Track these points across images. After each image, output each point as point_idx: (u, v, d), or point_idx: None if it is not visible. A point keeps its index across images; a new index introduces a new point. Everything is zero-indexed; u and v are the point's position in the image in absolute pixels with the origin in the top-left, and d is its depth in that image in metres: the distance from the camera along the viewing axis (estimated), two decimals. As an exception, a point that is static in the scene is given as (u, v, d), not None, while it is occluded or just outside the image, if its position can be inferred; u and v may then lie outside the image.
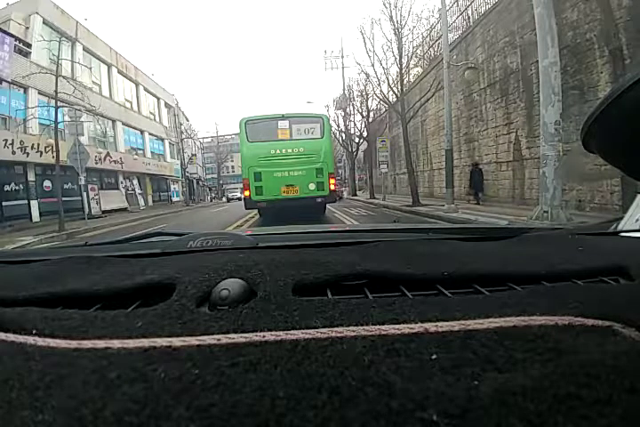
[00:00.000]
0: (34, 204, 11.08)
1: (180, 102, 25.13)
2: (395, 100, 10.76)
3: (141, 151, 18.82)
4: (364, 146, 19.58)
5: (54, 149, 8.38)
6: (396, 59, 10.23)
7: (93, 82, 14.51)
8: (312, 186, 7.14)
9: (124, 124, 16.82)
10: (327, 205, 8.25)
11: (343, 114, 19.19)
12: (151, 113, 20.80)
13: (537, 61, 4.95)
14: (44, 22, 12.01)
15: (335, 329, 0.27)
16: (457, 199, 10.65)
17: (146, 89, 20.00)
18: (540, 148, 4.61)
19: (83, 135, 9.70)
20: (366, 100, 16.11)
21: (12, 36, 10.15)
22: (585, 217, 4.99)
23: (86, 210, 11.06)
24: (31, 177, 11.13)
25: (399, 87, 10.17)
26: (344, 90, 19.36)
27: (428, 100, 10.05)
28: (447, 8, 8.66)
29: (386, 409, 0.19)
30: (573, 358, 0.22)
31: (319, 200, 7.20)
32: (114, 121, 16.04)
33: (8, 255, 0.70)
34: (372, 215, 8.25)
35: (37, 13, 11.73)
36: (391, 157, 15.07)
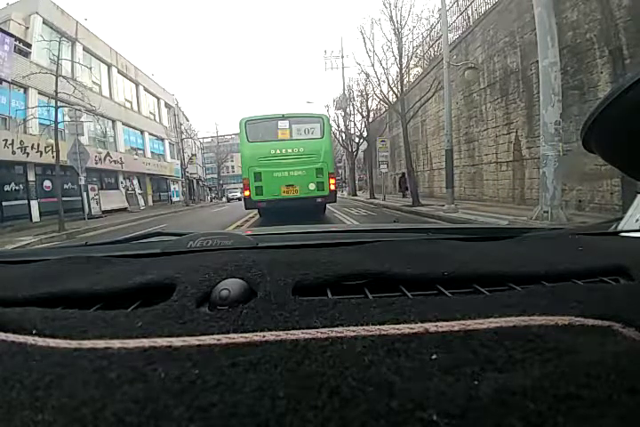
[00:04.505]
0: (34, 204, 11.08)
1: (180, 102, 25.15)
2: (395, 100, 10.74)
3: (141, 151, 18.82)
4: (363, 146, 19.57)
5: (54, 149, 8.37)
6: (396, 59, 10.22)
7: (93, 82, 14.51)
8: (312, 186, 7.14)
9: (123, 124, 16.81)
10: (327, 205, 8.25)
11: (343, 114, 19.18)
12: (151, 113, 20.80)
13: (537, 61, 4.95)
14: (44, 22, 12.00)
15: (335, 329, 0.27)
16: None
17: (146, 89, 19.99)
18: (540, 148, 4.61)
19: (83, 135, 9.70)
20: (366, 100, 16.12)
21: (12, 36, 10.14)
22: (585, 217, 4.99)
23: (86, 210, 11.07)
24: (31, 177, 11.12)
25: (399, 87, 10.16)
26: (344, 90, 19.37)
27: (428, 100, 10.04)
28: (447, 8, 8.65)
29: (386, 409, 0.19)
30: (573, 358, 0.22)
31: (319, 200, 7.20)
32: (114, 121, 16.04)
33: (8, 255, 0.69)
34: (372, 215, 8.25)
35: (37, 13, 11.72)
36: (391, 157, 15.07)
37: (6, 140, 9.69)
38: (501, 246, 0.55)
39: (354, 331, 0.26)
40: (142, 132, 18.94)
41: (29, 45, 11.16)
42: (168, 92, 23.42)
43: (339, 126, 19.31)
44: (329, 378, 0.21)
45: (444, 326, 0.27)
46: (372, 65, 11.73)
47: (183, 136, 22.81)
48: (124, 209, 15.58)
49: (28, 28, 11.50)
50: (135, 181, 17.88)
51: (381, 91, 11.50)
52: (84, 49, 14.20)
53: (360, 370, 0.22)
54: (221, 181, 40.50)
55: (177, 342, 0.26)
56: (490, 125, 8.85)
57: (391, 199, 12.89)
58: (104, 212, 13.21)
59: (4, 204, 10.09)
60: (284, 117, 7.40)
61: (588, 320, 0.27)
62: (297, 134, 7.37)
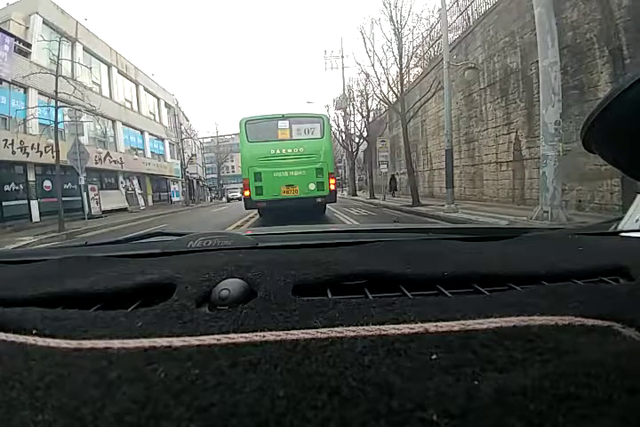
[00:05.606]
0: (34, 204, 11.08)
1: (180, 102, 25.14)
2: (395, 100, 10.75)
3: (141, 151, 18.81)
4: (364, 146, 19.56)
5: (54, 149, 8.37)
6: (396, 59, 10.22)
7: (93, 82, 14.50)
8: (312, 186, 7.14)
9: (124, 124, 16.81)
10: (327, 205, 8.25)
11: (343, 114, 19.18)
12: (151, 113, 20.79)
13: (537, 61, 4.95)
14: (44, 22, 12.00)
15: (335, 329, 0.27)
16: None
17: (146, 89, 19.99)
18: (540, 148, 4.61)
19: (83, 135, 9.70)
20: (366, 100, 16.11)
21: (12, 36, 10.14)
22: (585, 217, 4.99)
23: (86, 210, 11.08)
24: (31, 177, 11.12)
25: (399, 87, 10.16)
26: (344, 90, 19.35)
27: (428, 100, 10.04)
28: (447, 8, 8.65)
29: (386, 409, 0.19)
30: (573, 358, 0.22)
31: (319, 200, 7.20)
32: (114, 121, 16.03)
33: (8, 255, 0.69)
34: (372, 215, 8.25)
35: (37, 13, 11.72)
36: (391, 156, 15.08)
37: (6, 140, 9.68)
38: (501, 246, 0.55)
39: (354, 331, 0.26)
40: (142, 132, 18.94)
41: (29, 45, 11.16)
42: (168, 92, 23.42)
43: (339, 126, 19.32)
44: (329, 378, 0.21)
45: (443, 326, 0.27)
46: (372, 65, 11.71)
47: (183, 136, 22.81)
48: (124, 209, 15.57)
49: (27, 28, 11.50)
50: (135, 181, 17.88)
51: (381, 91, 11.51)
52: (84, 49, 14.20)
53: (360, 370, 0.22)
54: (221, 181, 40.50)
55: (177, 342, 0.26)
56: (490, 125, 8.85)
57: (391, 199, 12.92)
58: (104, 212, 13.20)
59: (4, 204, 10.08)
60: (283, 117, 7.39)
61: (588, 320, 0.27)
62: (297, 134, 7.37)
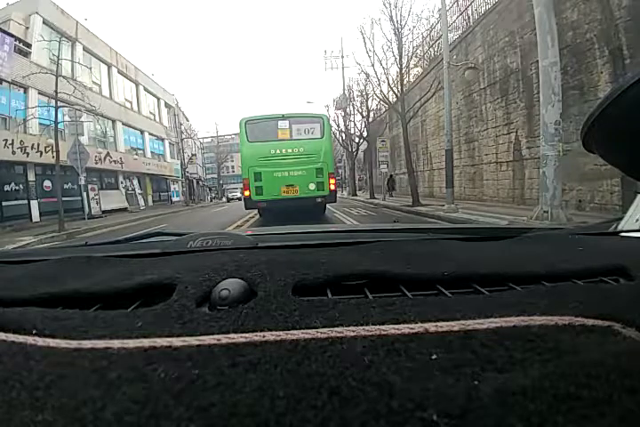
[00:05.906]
0: (34, 204, 11.08)
1: (180, 102, 25.16)
2: (395, 100, 10.75)
3: (141, 151, 18.82)
4: (364, 146, 19.57)
5: (54, 149, 8.37)
6: (396, 59, 10.22)
7: (93, 82, 14.51)
8: (312, 186, 7.14)
9: (124, 124, 16.81)
10: (327, 205, 8.25)
11: (343, 114, 19.18)
12: (151, 113, 20.79)
13: (537, 61, 4.95)
14: (44, 22, 12.01)
15: (335, 329, 0.27)
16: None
17: (146, 89, 19.99)
18: (540, 148, 4.61)
19: (83, 135, 9.71)
20: (366, 100, 16.10)
21: (12, 36, 10.15)
22: (585, 217, 4.99)
23: (86, 210, 11.09)
24: (31, 177, 11.13)
25: (399, 87, 10.16)
26: (344, 90, 19.36)
27: (428, 100, 10.04)
28: (447, 8, 8.65)
29: (386, 409, 0.19)
30: (573, 358, 0.22)
31: (319, 200, 7.20)
32: (114, 121, 16.04)
33: (8, 255, 0.69)
34: (372, 215, 8.25)
35: (37, 13, 11.73)
36: (391, 157, 15.08)
37: (6, 140, 9.69)
38: (501, 246, 0.55)
39: (354, 331, 0.26)
40: (142, 132, 18.94)
41: (29, 45, 11.16)
42: (168, 92, 23.42)
43: (339, 126, 19.31)
44: (329, 378, 0.21)
45: (444, 326, 0.27)
46: (372, 65, 11.66)
47: (183, 136, 22.81)
48: (124, 209, 15.57)
49: (28, 28, 11.50)
50: (135, 181, 17.87)
51: (381, 91, 11.49)
52: (84, 49, 14.20)
53: (360, 370, 0.22)
54: (221, 181, 40.50)
55: (177, 342, 0.26)
56: (490, 125, 8.85)
57: (391, 199, 12.93)
58: (104, 212, 13.20)
59: (4, 204, 10.09)
60: (283, 117, 7.39)
61: (588, 320, 0.27)
62: (297, 134, 7.37)
